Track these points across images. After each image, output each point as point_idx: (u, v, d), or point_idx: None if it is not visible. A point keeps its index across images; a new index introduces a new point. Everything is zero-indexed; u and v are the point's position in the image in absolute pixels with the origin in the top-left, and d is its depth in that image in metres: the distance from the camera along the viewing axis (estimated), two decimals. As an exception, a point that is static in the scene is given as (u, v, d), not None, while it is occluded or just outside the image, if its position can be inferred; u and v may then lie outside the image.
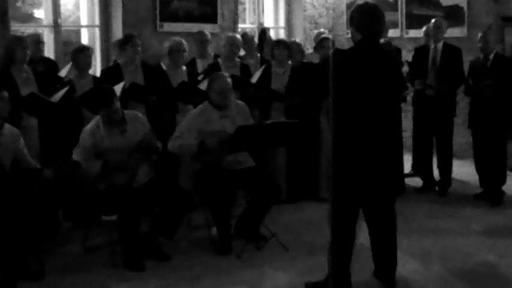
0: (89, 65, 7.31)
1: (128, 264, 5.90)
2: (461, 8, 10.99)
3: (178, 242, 6.51)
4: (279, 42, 8.48)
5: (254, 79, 8.00)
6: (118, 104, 6.19)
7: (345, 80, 4.93)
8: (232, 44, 8.21)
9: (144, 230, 6.14)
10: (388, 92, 5.13)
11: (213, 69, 7.63)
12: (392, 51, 8.46)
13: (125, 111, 6.34)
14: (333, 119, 5.00)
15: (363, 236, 5.50)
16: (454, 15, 10.94)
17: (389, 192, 5.38)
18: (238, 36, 8.53)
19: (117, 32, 8.87)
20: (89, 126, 6.22)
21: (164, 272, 5.86)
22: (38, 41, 7.61)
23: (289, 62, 8.23)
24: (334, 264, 5.19)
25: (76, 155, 6.08)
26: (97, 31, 9.11)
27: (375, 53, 5.12)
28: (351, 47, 5.16)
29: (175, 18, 9.30)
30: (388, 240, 5.43)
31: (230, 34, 8.64)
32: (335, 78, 4.86)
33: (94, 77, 7.43)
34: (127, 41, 7.52)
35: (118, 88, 6.73)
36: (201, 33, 8.53)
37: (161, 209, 6.17)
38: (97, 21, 9.08)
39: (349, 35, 5.43)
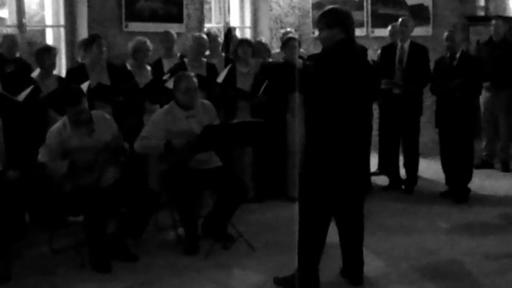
0: (53, 65, 7.26)
1: (95, 265, 5.87)
2: (426, 7, 11.09)
3: (145, 242, 6.49)
4: (242, 41, 8.50)
5: (220, 79, 8.01)
6: (86, 104, 6.17)
7: (326, 81, 5.01)
8: (199, 44, 8.20)
9: (111, 231, 6.11)
10: (364, 93, 5.21)
11: (179, 69, 7.62)
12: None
13: (92, 112, 6.31)
14: (307, 120, 5.07)
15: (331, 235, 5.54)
16: (419, 15, 11.03)
17: (358, 192, 5.44)
18: (205, 36, 8.52)
19: (83, 32, 8.81)
20: (55, 127, 6.18)
21: (131, 273, 5.83)
22: (13, 41, 7.58)
23: (254, 61, 8.26)
24: (302, 261, 5.25)
25: (42, 156, 6.04)
26: (62, 31, 9.04)
27: (356, 52, 5.27)
28: (336, 46, 5.18)
29: (140, 18, 9.26)
30: (356, 239, 5.50)
31: (197, 34, 8.63)
32: (316, 79, 4.94)
33: (59, 77, 7.38)
34: (92, 41, 7.48)
35: (83, 87, 6.69)
36: (166, 33, 8.53)
37: (128, 210, 6.14)
38: (62, 21, 9.00)
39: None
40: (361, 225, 5.52)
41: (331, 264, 5.63)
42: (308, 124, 5.16)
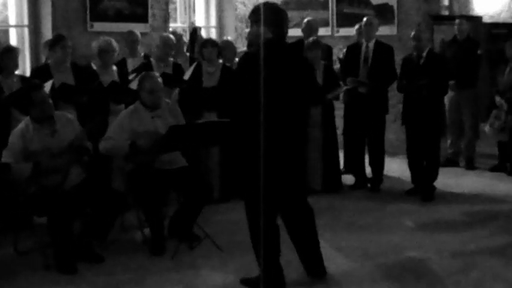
0: (16, 66, 7.18)
1: (60, 267, 5.82)
2: (391, 7, 11.15)
3: (111, 243, 6.45)
4: (207, 41, 8.49)
5: (186, 76, 7.99)
6: (49, 100, 6.12)
7: (257, 80, 4.95)
8: (166, 44, 8.17)
9: (76, 232, 6.06)
10: (298, 89, 5.21)
11: (144, 69, 7.58)
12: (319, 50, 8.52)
13: (55, 112, 6.25)
14: (247, 120, 5.07)
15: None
16: (384, 14, 11.09)
17: (298, 189, 5.44)
18: (172, 36, 8.50)
19: (47, 32, 8.73)
20: (18, 128, 6.11)
21: (97, 274, 5.79)
22: None
23: (220, 61, 8.24)
24: (262, 261, 5.25)
25: (5, 158, 5.98)
26: (26, 31, 8.95)
27: (286, 51, 5.23)
28: (263, 45, 5.10)
29: (105, 17, 9.20)
30: (307, 234, 5.51)
31: (164, 34, 8.61)
32: (246, 79, 4.92)
33: (22, 77, 7.29)
34: (57, 41, 7.41)
35: (47, 86, 6.64)
36: (130, 33, 8.49)
37: (93, 211, 6.10)
38: (26, 21, 8.91)
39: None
40: (310, 220, 5.52)
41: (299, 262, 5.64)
42: (239, 122, 5.15)
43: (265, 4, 5.20)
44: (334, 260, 6.12)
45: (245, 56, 5.43)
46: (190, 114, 7.55)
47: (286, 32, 5.30)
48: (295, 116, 5.26)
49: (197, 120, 7.39)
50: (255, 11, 5.19)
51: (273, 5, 5.25)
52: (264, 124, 4.99)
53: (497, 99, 8.93)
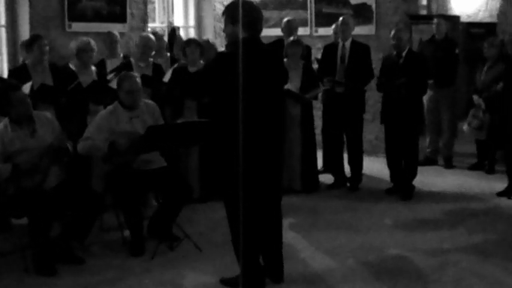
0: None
1: (39, 269, 5.79)
2: (370, 6, 11.18)
3: (90, 244, 6.43)
4: (190, 41, 8.47)
5: (166, 78, 7.97)
6: (28, 99, 6.09)
7: (233, 79, 4.94)
8: (146, 44, 8.15)
9: (55, 233, 6.03)
10: (275, 88, 5.23)
11: (124, 69, 7.56)
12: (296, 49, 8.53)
13: (34, 112, 6.21)
14: (224, 119, 5.06)
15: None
16: (362, 14, 11.12)
17: (275, 189, 5.43)
18: (152, 36, 8.48)
19: (24, 32, 8.69)
20: (-4, 129, 6.08)
21: (77, 276, 5.76)
22: None
23: (201, 61, 8.23)
24: (242, 261, 5.26)
25: (-16, 159, 5.94)
26: (3, 31, 8.90)
27: (260, 49, 5.23)
28: (236, 44, 5.09)
29: (83, 17, 9.16)
30: (275, 236, 5.49)
31: (144, 34, 8.59)
32: (222, 78, 4.92)
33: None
34: (33, 41, 7.38)
35: (26, 88, 6.60)
36: (109, 34, 8.48)
37: (72, 212, 6.07)
38: (3, 21, 8.87)
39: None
40: (280, 222, 5.52)
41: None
42: (217, 122, 5.15)
43: (238, 2, 5.15)
44: (314, 259, 6.14)
45: (220, 55, 5.41)
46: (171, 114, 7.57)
47: (261, 30, 5.27)
48: (272, 115, 5.25)
49: (176, 120, 7.39)
50: (228, 10, 5.17)
51: (247, 3, 5.20)
52: (242, 123, 4.99)
53: (475, 98, 8.98)
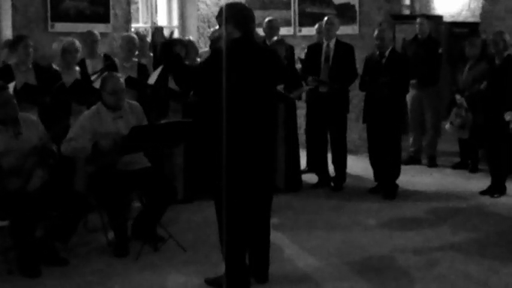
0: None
1: (23, 271, 5.75)
2: (353, 6, 11.21)
3: (74, 246, 6.40)
4: (176, 40, 8.44)
5: (152, 80, 7.94)
6: (15, 100, 6.06)
7: (227, 78, 4.96)
8: (130, 44, 8.14)
9: (39, 235, 6.00)
10: (269, 88, 5.23)
11: (109, 69, 7.54)
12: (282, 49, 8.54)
13: (19, 114, 6.18)
14: (217, 118, 5.06)
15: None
16: (345, 13, 11.16)
17: (265, 189, 5.41)
18: (135, 36, 8.45)
19: (7, 33, 8.65)
20: (-20, 131, 6.05)
21: (61, 277, 5.74)
22: None
23: (186, 62, 8.21)
24: (227, 261, 5.26)
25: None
26: (-15, 31, 8.87)
27: (254, 49, 5.24)
28: (230, 44, 5.12)
29: (66, 18, 9.13)
30: (263, 236, 5.49)
31: (127, 34, 8.57)
32: (216, 77, 4.93)
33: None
34: (18, 41, 7.35)
35: (9, 88, 6.57)
36: (89, 33, 8.41)
37: (56, 213, 6.04)
38: (-15, 21, 8.84)
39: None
40: (268, 222, 5.51)
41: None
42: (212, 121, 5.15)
43: (231, 4, 5.24)
44: (298, 258, 6.15)
45: (215, 53, 5.39)
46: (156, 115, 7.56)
47: (253, 31, 5.31)
48: (265, 114, 5.26)
49: (161, 120, 7.38)
50: (221, 11, 5.19)
51: (240, 4, 5.28)
52: (234, 121, 5.01)
53: (458, 97, 9.02)
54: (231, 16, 5.10)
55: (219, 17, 5.27)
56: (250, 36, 5.25)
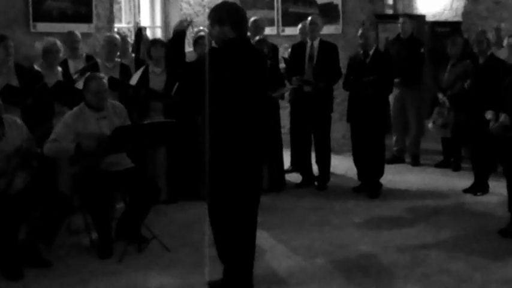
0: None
1: (6, 273, 5.72)
2: (336, 6, 11.23)
3: (58, 247, 6.36)
4: (155, 41, 8.43)
5: (133, 81, 7.92)
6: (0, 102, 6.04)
7: (221, 77, 4.94)
8: (111, 43, 8.11)
9: (22, 237, 5.97)
10: (261, 89, 5.21)
11: (91, 69, 7.51)
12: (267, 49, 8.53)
13: (3, 116, 6.14)
14: (209, 117, 5.02)
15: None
16: (329, 13, 11.17)
17: (256, 189, 5.36)
18: (118, 36, 8.42)
19: (-12, 33, 8.58)
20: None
21: (45, 280, 5.71)
22: None
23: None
24: (227, 263, 5.22)
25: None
26: (-33, 32, 8.78)
27: (249, 50, 5.22)
28: (225, 44, 5.09)
29: (49, 18, 9.06)
30: (250, 240, 5.45)
31: (109, 34, 8.53)
32: (211, 75, 4.91)
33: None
34: (-1, 42, 7.30)
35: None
36: (70, 34, 8.37)
37: (40, 214, 6.01)
38: (-34, 22, 8.76)
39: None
40: (254, 226, 5.39)
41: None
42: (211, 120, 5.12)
43: (225, 4, 5.19)
44: (284, 258, 6.15)
45: (212, 50, 5.34)
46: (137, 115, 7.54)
47: (246, 31, 5.30)
48: (261, 115, 5.24)
49: (143, 120, 7.36)
50: (215, 11, 5.14)
51: (233, 4, 5.23)
52: (227, 121, 4.99)
53: (440, 96, 9.06)
54: (227, 15, 5.04)
55: (211, 16, 5.21)
56: (245, 36, 5.24)
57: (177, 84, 7.74)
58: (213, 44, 5.24)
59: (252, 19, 9.55)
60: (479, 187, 8.42)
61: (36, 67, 7.70)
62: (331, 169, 9.01)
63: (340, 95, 9.76)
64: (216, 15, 5.11)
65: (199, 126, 8.05)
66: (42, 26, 8.89)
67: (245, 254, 5.23)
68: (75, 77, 7.65)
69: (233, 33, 5.04)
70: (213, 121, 5.02)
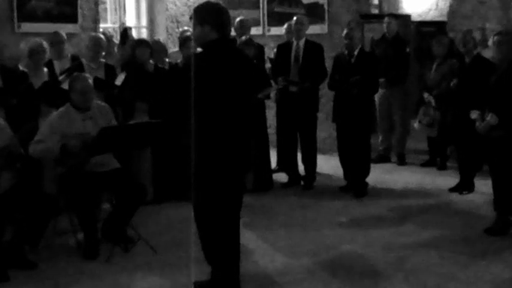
0: None
1: (-9, 275, 5.70)
2: (322, 6, 11.25)
3: (44, 248, 6.33)
4: (141, 41, 8.41)
5: (118, 81, 7.90)
6: None
7: (206, 80, 4.92)
8: (96, 44, 8.08)
9: (7, 238, 5.94)
10: (246, 89, 5.20)
11: (76, 70, 7.48)
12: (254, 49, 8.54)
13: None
14: (195, 118, 5.01)
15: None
16: (314, 13, 11.18)
17: (240, 191, 5.34)
18: (102, 36, 8.40)
19: (-28, 33, 8.54)
20: None
21: (30, 281, 5.68)
22: None
23: (151, 61, 8.18)
24: (214, 264, 5.21)
25: None
26: (-50, 32, 8.74)
27: (232, 51, 5.20)
28: (208, 46, 5.05)
29: (33, 18, 9.02)
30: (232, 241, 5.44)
31: (93, 34, 8.50)
32: (197, 79, 4.89)
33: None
34: (-17, 42, 7.27)
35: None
36: (55, 34, 8.31)
37: (25, 216, 5.98)
38: (-49, 23, 8.72)
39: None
40: (238, 223, 5.37)
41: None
42: (198, 122, 5.10)
43: (207, 4, 5.14)
44: (270, 258, 6.15)
45: (197, 56, 5.32)
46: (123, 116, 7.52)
47: (229, 32, 5.27)
48: (247, 115, 5.22)
49: (128, 121, 7.35)
50: (196, 11, 5.11)
51: (216, 5, 5.18)
52: (214, 125, 4.96)
53: (426, 95, 9.08)
54: (208, 16, 5.01)
55: (194, 16, 5.18)
56: (228, 38, 5.22)
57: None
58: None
59: (238, 19, 9.56)
60: (465, 186, 8.45)
61: (21, 68, 7.67)
62: (318, 169, 9.03)
63: (326, 95, 9.77)
64: (197, 15, 5.07)
65: (186, 128, 8.05)
66: (27, 27, 8.86)
67: (231, 255, 5.22)
68: (61, 78, 7.60)
69: (215, 34, 5.00)
70: (200, 124, 5.01)
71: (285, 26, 9.61)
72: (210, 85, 4.91)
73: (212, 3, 5.18)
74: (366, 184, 8.53)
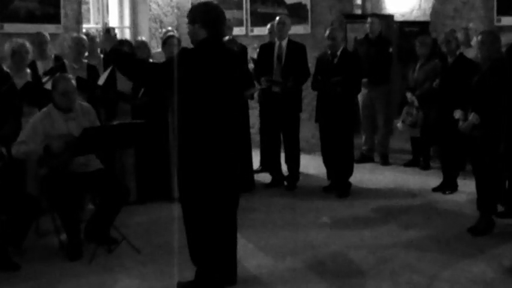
0: None
1: (-27, 276, 5.67)
2: (305, 6, 11.26)
3: (26, 249, 6.31)
4: (123, 41, 8.40)
5: (101, 81, 7.88)
6: None
7: (192, 78, 4.94)
8: (78, 44, 8.06)
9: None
10: (234, 89, 5.20)
11: (58, 71, 7.46)
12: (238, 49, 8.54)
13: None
14: (178, 118, 5.00)
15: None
16: (297, 13, 11.20)
17: (235, 191, 5.38)
18: (85, 36, 8.37)
19: (-46, 34, 8.50)
20: None
21: (14, 282, 5.66)
22: None
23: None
24: (198, 264, 5.21)
25: None
26: None
27: (221, 51, 5.19)
28: (197, 45, 5.11)
29: (16, 18, 8.98)
30: (231, 238, 5.45)
31: (75, 34, 8.48)
32: (181, 77, 4.89)
33: None
34: (-35, 43, 7.23)
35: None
36: (39, 35, 8.28)
37: (7, 217, 5.96)
38: None
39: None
40: (235, 224, 5.46)
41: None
42: (182, 121, 5.10)
43: (200, 4, 5.20)
44: (254, 258, 6.15)
45: (183, 50, 5.32)
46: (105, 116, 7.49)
47: (223, 31, 5.28)
48: (235, 116, 5.23)
49: (111, 121, 7.33)
50: (190, 10, 5.17)
51: (208, 4, 5.21)
52: (207, 124, 4.98)
53: (409, 95, 9.10)
54: (198, 15, 5.06)
55: (188, 16, 5.21)
56: (218, 37, 5.21)
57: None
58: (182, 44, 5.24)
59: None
60: (448, 186, 8.49)
61: (5, 68, 7.62)
62: (301, 169, 9.03)
63: (309, 95, 9.79)
64: (190, 14, 5.16)
65: (168, 127, 8.05)
66: (10, 27, 8.82)
67: (218, 255, 5.23)
68: (44, 79, 7.57)
69: (204, 33, 5.03)
70: (186, 123, 5.01)
71: (268, 26, 9.62)
72: (196, 83, 4.93)
73: (205, 2, 5.24)
74: (349, 184, 8.54)
